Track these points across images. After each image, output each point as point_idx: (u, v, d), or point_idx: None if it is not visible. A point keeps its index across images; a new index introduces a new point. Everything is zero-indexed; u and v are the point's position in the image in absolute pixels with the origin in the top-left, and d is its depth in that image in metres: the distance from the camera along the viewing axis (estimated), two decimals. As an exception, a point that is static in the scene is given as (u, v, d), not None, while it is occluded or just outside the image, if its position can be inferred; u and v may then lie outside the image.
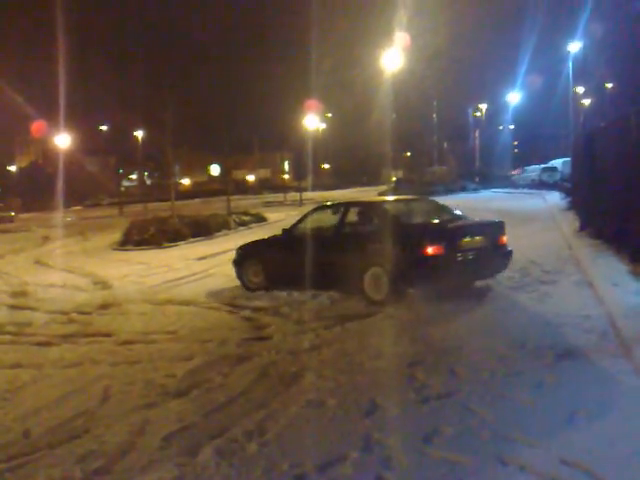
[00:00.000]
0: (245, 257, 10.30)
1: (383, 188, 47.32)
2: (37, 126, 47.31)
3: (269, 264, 9.89)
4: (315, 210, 10.05)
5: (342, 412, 4.55)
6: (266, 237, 11.00)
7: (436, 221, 8.84)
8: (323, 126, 58.26)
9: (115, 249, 18.97)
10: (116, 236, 20.80)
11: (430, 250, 7.88)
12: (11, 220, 46.93)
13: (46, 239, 25.09)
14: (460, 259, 8.11)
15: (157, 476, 3.76)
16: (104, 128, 74.17)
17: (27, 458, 4.17)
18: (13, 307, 9.95)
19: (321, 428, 4.31)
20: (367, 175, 73.20)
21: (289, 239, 9.72)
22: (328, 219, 9.65)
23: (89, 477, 3.81)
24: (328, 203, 10.85)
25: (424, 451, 3.87)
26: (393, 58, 31.36)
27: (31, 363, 6.56)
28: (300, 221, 9.92)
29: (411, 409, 4.56)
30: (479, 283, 8.92)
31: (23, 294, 11.12)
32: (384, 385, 5.10)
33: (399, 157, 63.82)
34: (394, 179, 53.10)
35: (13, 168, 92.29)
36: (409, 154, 70.62)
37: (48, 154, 78.58)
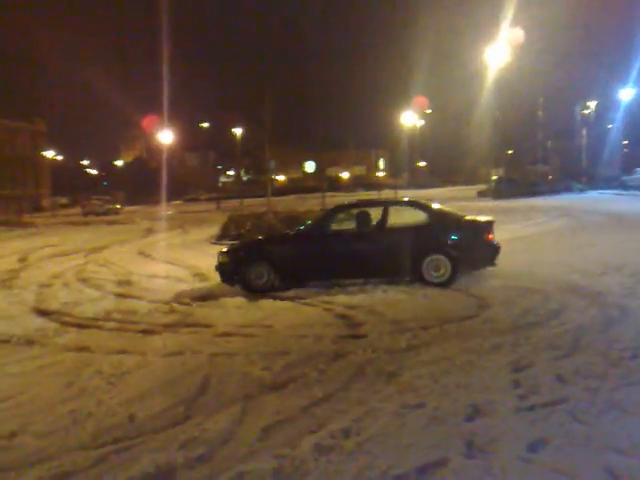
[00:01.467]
0: (250, 258, 10.24)
1: (482, 187, 46.19)
2: (148, 120, 49.24)
3: (288, 262, 10.11)
4: (337, 209, 10.98)
5: (442, 414, 4.44)
6: (261, 238, 11.92)
7: (473, 217, 10.87)
8: (421, 123, 57.30)
9: (213, 243, 19.46)
10: (214, 230, 21.37)
11: (491, 237, 10.07)
12: (117, 212, 49.31)
13: (149, 231, 26.14)
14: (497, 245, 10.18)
15: (257, 466, 3.80)
16: (205, 125, 76.28)
17: (132, 442, 4.31)
18: (119, 295, 10.38)
19: (420, 430, 4.22)
20: (464, 173, 71.80)
21: (320, 236, 10.29)
22: (349, 218, 10.59)
23: (191, 463, 3.89)
24: (346, 202, 11.99)
25: (529, 460, 3.71)
26: (499, 53, 30.39)
27: (135, 350, 6.81)
28: (325, 219, 10.65)
29: (515, 415, 4.39)
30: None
31: (128, 283, 11.61)
32: (486, 389, 4.92)
33: (500, 155, 62.06)
34: (494, 178, 51.67)
35: (119, 163, 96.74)
36: (511, 152, 68.46)
37: (152, 150, 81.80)
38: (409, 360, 5.83)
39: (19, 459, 4.11)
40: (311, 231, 10.66)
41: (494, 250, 9.99)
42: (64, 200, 72.16)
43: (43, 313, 9.12)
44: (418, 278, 9.64)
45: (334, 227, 10.39)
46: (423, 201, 11.00)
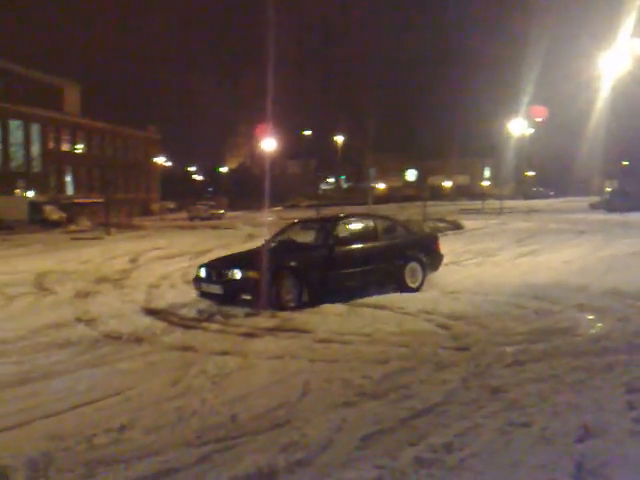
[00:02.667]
0: (277, 272, 9.35)
1: (594, 199, 44.21)
2: (260, 128, 50.23)
3: (315, 276, 9.72)
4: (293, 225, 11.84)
5: (550, 434, 4.24)
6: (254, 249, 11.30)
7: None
8: (530, 131, 55.39)
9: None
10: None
11: (439, 246, 11.98)
12: (220, 217, 50.83)
13: (250, 236, 26.71)
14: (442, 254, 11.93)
15: (356, 475, 3.76)
16: (307, 133, 77.35)
17: (234, 441, 4.38)
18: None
19: (526, 449, 4.05)
20: (575, 184, 68.90)
21: (326, 248, 10.13)
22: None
23: (292, 467, 3.91)
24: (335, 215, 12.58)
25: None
26: (616, 62, 28.99)
27: (237, 352, 6.96)
28: (331, 231, 10.55)
29: (629, 440, 4.13)
30: None
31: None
32: (598, 410, 4.67)
33: (615, 166, 58.97)
34: (609, 190, 49.21)
35: (224, 169, 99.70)
36: (626, 163, 65.08)
37: (255, 157, 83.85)
38: (515, 376, 5.62)
39: (128, 452, 4.27)
40: (326, 242, 10.35)
41: (441, 258, 11.79)
42: (171, 205, 75.15)
43: (152, 312, 9.50)
44: (400, 285, 10.63)
45: (343, 237, 10.60)
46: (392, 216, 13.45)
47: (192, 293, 11.32)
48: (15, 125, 52.53)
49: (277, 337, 7.67)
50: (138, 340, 7.72)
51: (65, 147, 60.09)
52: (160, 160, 74.75)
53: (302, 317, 8.84)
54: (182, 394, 5.53)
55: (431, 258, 11.36)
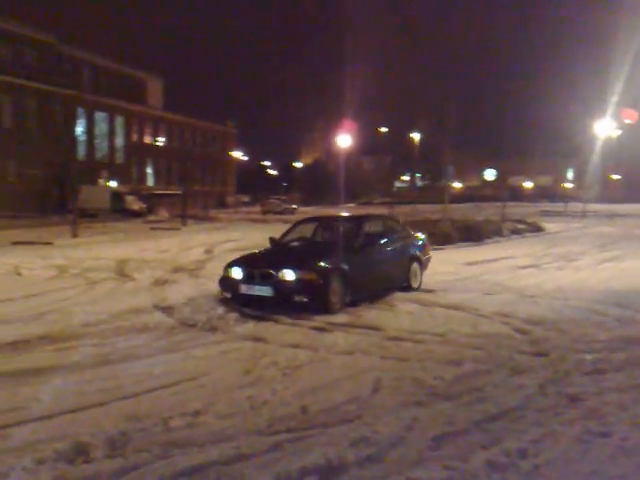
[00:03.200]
0: (330, 274, 8.93)
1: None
2: (345, 124, 49.94)
3: (358, 278, 9.41)
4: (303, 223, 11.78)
5: (630, 445, 4.07)
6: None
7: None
8: (618, 133, 53.07)
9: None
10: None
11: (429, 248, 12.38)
12: (292, 212, 51.25)
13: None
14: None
15: (426, 474, 3.71)
16: (383, 130, 76.88)
17: (304, 433, 4.40)
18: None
19: (604, 459, 3.90)
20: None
21: (360, 249, 9.91)
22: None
23: (361, 462, 3.90)
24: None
25: None
26: None
27: (308, 345, 7.00)
28: (361, 231, 10.36)
29: None
30: None
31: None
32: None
33: None
34: None
35: (299, 165, 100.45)
36: None
37: (330, 153, 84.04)
38: (595, 384, 5.42)
39: (202, 436, 4.36)
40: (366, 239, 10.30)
41: (430, 258, 12.02)
42: (245, 198, 76.43)
43: (225, 303, 9.67)
44: (407, 284, 10.83)
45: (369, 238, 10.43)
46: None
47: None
48: (100, 117, 54.55)
49: (348, 333, 7.67)
50: (212, 329, 7.88)
51: (147, 139, 62.01)
52: (237, 154, 76.07)
53: (372, 314, 8.81)
54: (253, 383, 5.60)
55: (426, 259, 11.78)
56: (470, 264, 14.66)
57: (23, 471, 3.86)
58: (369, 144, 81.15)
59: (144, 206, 44.77)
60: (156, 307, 9.36)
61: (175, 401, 5.15)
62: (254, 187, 79.74)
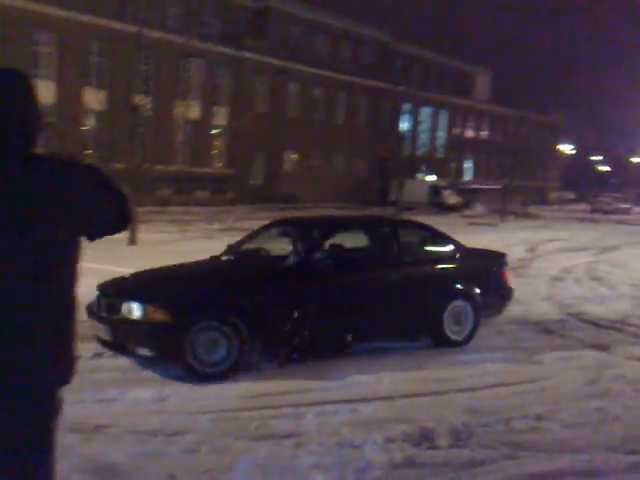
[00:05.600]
0: (192, 313, 5.60)
1: None
2: None
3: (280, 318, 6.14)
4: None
5: None
6: None
7: None
8: None
9: None
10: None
11: None
12: (626, 212, 47.11)
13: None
14: None
15: None
16: None
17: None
18: (636, 299, 9.86)
19: None
20: None
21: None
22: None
23: None
24: None
25: None
26: None
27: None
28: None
29: None
30: None
31: None
32: None
33: None
34: None
35: (637, 159, 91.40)
36: None
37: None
38: None
39: (548, 443, 4.20)
40: None
41: (509, 293, 8.21)
42: (570, 195, 72.25)
43: (558, 305, 9.24)
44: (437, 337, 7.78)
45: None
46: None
47: (600, 290, 10.76)
48: (426, 112, 56.31)
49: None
50: (547, 331, 7.60)
51: (469, 133, 62.32)
52: (564, 147, 72.19)
53: None
54: (600, 395, 5.22)
55: (492, 293, 7.28)
56: None
57: (374, 445, 4.13)
58: None
59: (460, 200, 45.12)
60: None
61: (515, 401, 5.07)
62: (579, 183, 74.99)
